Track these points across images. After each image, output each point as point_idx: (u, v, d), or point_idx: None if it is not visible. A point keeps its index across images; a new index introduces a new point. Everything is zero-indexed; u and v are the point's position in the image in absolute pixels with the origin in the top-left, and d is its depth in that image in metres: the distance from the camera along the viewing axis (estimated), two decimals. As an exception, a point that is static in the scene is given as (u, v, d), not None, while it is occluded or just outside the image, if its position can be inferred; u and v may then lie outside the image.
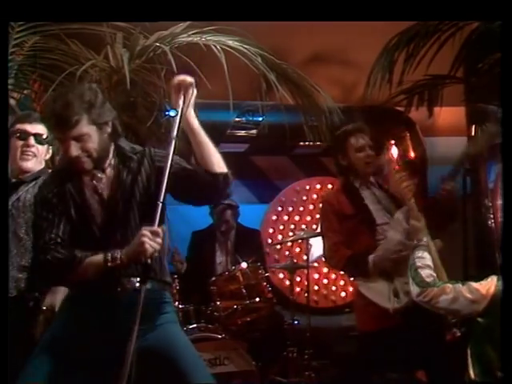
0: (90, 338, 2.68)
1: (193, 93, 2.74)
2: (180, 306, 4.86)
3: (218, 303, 4.93)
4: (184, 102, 2.69)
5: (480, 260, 5.45)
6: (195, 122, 2.77)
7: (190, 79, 2.73)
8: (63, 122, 2.65)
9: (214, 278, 5.06)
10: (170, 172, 2.60)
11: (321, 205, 4.18)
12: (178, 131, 2.64)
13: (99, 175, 2.80)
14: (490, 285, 2.83)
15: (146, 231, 2.58)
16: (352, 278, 3.96)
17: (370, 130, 3.94)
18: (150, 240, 2.56)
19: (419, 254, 3.17)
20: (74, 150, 2.68)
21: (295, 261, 5.59)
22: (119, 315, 2.66)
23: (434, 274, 3.05)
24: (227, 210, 5.81)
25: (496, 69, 4.62)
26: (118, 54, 4.44)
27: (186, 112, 2.72)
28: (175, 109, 2.66)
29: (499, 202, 5.39)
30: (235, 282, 4.97)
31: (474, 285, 2.88)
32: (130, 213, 2.75)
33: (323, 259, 6.18)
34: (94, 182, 2.79)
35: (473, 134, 5.30)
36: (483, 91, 4.84)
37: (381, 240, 3.77)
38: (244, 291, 4.93)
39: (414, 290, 3.02)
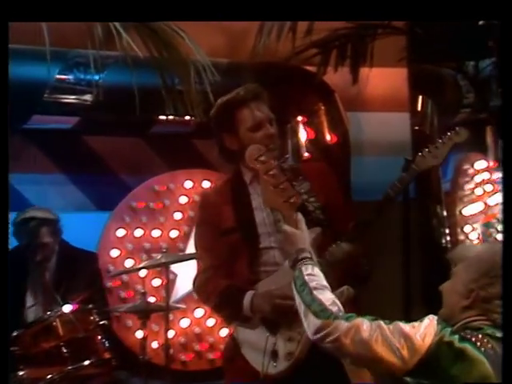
0: None
1: None
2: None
3: (22, 373, 4.79)
4: None
5: (428, 294, 5.59)
6: None
7: None
8: None
9: (16, 333, 4.80)
10: None
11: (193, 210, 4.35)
12: None
13: None
14: (427, 331, 2.79)
15: None
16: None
17: (269, 95, 3.96)
18: None
19: (308, 270, 3.09)
20: None
21: (151, 300, 5.57)
22: None
23: (338, 302, 2.98)
24: (42, 227, 5.49)
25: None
26: None
27: None
28: None
29: (459, 210, 5.50)
30: (52, 336, 4.85)
31: (405, 329, 2.80)
32: None
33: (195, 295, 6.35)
34: None
35: (418, 108, 5.66)
36: (433, 46, 5.16)
37: (268, 269, 3.90)
38: (65, 350, 4.81)
39: (311, 323, 2.92)
